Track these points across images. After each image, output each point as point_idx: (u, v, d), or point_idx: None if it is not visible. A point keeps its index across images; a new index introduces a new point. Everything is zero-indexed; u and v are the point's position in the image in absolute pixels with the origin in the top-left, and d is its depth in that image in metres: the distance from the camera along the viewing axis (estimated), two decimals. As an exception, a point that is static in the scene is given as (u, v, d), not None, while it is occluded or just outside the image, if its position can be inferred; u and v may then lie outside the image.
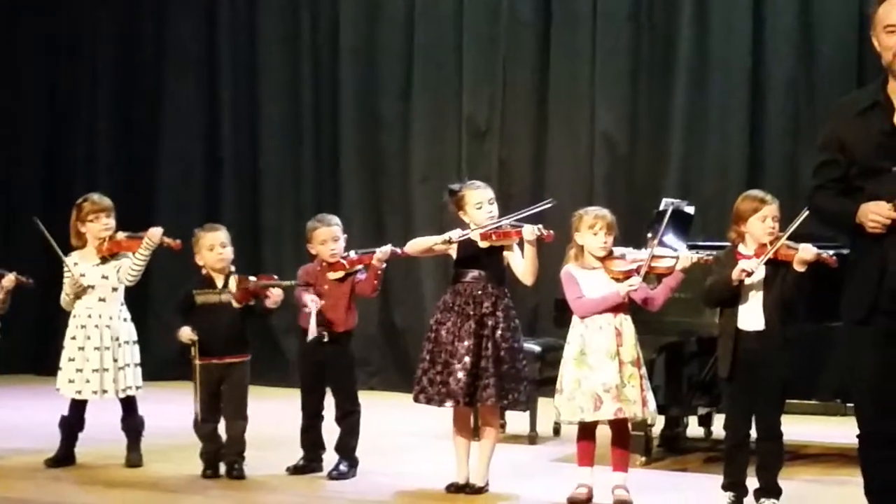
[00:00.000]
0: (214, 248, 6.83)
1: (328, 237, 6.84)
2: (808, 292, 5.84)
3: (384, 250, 6.75)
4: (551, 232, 6.20)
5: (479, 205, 6.36)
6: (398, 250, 6.71)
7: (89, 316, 7.02)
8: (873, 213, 4.61)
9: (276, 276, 6.94)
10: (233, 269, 6.86)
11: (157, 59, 11.62)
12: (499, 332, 6.27)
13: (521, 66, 10.41)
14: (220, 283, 6.80)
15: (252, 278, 6.78)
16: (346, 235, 6.94)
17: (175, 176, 11.40)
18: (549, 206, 6.38)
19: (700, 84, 9.79)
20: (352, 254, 6.88)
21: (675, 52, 9.87)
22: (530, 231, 6.20)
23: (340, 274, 6.82)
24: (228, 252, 6.87)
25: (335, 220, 6.96)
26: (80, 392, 7.01)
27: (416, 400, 6.39)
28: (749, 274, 5.78)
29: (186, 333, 6.70)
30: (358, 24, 10.93)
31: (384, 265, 6.81)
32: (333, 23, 11.03)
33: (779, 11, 9.59)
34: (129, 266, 7.00)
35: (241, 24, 11.41)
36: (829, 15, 9.46)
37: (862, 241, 4.72)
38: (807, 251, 5.71)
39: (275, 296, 6.72)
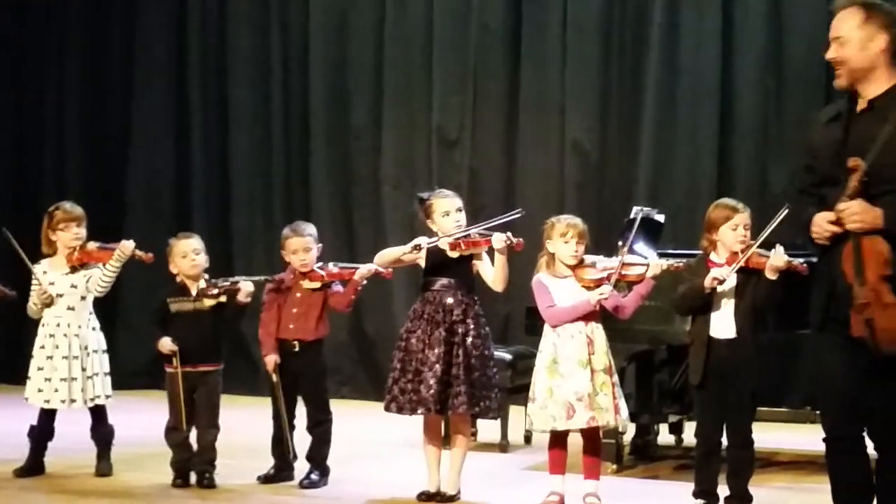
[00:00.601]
0: (188, 255, 6.82)
1: (300, 247, 6.83)
2: (779, 300, 5.88)
3: (367, 268, 6.72)
4: (521, 240, 6.21)
5: (447, 213, 6.37)
6: (382, 270, 6.70)
7: (58, 325, 6.99)
8: (816, 225, 4.69)
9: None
10: (206, 276, 6.85)
11: (125, 65, 11.55)
12: (469, 339, 6.28)
13: (491, 75, 10.42)
14: (194, 290, 6.79)
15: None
16: (320, 245, 6.92)
17: (145, 183, 11.35)
18: (518, 216, 6.40)
19: (670, 92, 9.82)
20: (331, 266, 6.87)
21: (645, 61, 9.90)
22: (499, 239, 6.21)
23: (317, 285, 6.81)
24: (202, 259, 6.87)
25: (309, 229, 6.95)
26: (48, 401, 6.97)
27: (388, 409, 6.39)
28: (721, 282, 5.81)
29: (168, 344, 6.68)
30: (328, 34, 10.92)
31: (364, 282, 6.81)
32: (303, 31, 11.01)
33: (748, 20, 9.64)
34: (100, 277, 6.97)
35: (211, 32, 11.36)
36: (798, 24, 9.51)
37: (821, 251, 4.79)
38: (778, 259, 5.74)
39: (245, 287, 6.71)
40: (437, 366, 6.21)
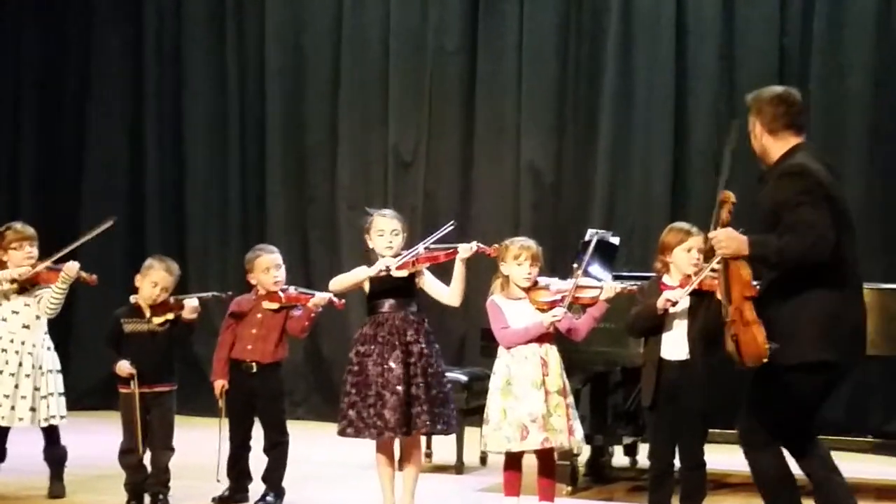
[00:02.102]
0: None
1: (271, 264, 6.83)
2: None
3: (322, 297, 6.72)
4: (496, 246, 6.24)
5: (381, 233, 6.37)
6: (336, 301, 6.70)
7: (11, 341, 6.94)
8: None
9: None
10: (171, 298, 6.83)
11: (80, 83, 11.51)
12: (424, 358, 6.28)
13: (448, 96, 10.48)
14: (147, 312, 6.76)
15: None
16: (284, 266, 6.92)
17: (99, 203, 11.28)
18: (451, 227, 6.41)
19: (625, 115, 9.90)
20: (291, 289, 6.87)
21: (599, 84, 9.97)
22: (467, 249, 6.22)
23: (275, 306, 6.81)
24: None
25: (275, 249, 6.96)
26: None
27: (343, 434, 6.34)
28: (674, 304, 5.84)
29: (126, 367, 6.64)
30: (284, 51, 10.94)
31: (319, 310, 6.81)
32: (259, 50, 11.02)
33: (700, 43, 9.74)
34: (49, 298, 6.93)
35: (166, 51, 11.35)
36: (749, 50, 9.62)
37: None
38: None
39: (189, 304, 6.70)
40: (399, 387, 6.19)
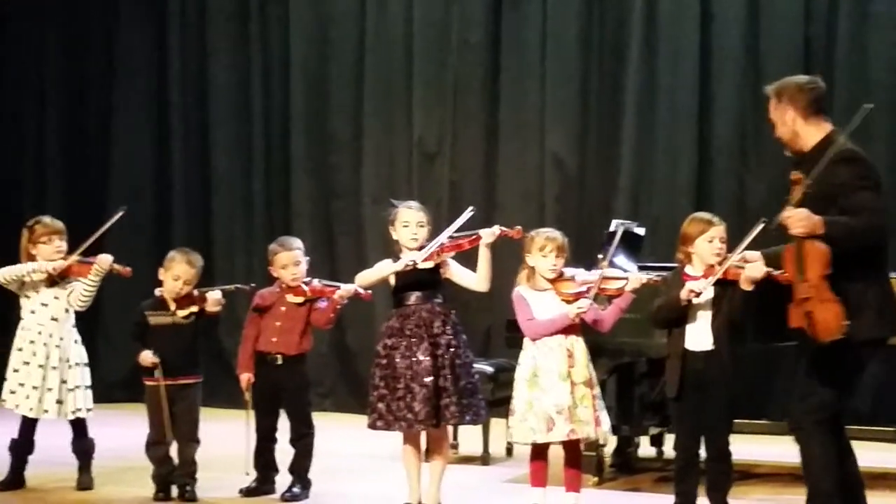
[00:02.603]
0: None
1: (289, 262, 6.85)
2: (756, 311, 5.91)
3: (348, 289, 6.74)
4: (519, 228, 6.24)
5: (406, 224, 6.36)
6: (362, 292, 6.71)
7: (39, 333, 6.99)
8: None
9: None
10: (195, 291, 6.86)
11: (105, 77, 11.56)
12: (451, 349, 6.28)
13: (472, 89, 10.46)
14: (172, 305, 6.79)
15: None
16: (308, 258, 6.94)
17: (125, 197, 11.32)
18: (472, 213, 6.38)
19: (648, 106, 9.87)
20: (316, 282, 6.88)
21: (623, 74, 9.95)
22: (489, 233, 6.22)
23: (300, 300, 6.83)
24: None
25: (297, 243, 6.96)
26: (18, 406, 6.97)
27: (374, 427, 6.33)
28: (697, 294, 5.82)
29: (149, 357, 6.68)
30: (308, 45, 10.95)
31: (345, 302, 6.82)
32: (284, 45, 11.04)
33: (725, 34, 9.70)
34: (80, 291, 6.98)
35: (191, 45, 11.38)
36: (775, 38, 9.58)
37: None
38: (755, 269, 5.75)
39: (211, 296, 6.74)
40: (428, 378, 6.19)
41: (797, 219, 5.27)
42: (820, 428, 5.42)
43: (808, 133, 5.54)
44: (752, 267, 5.76)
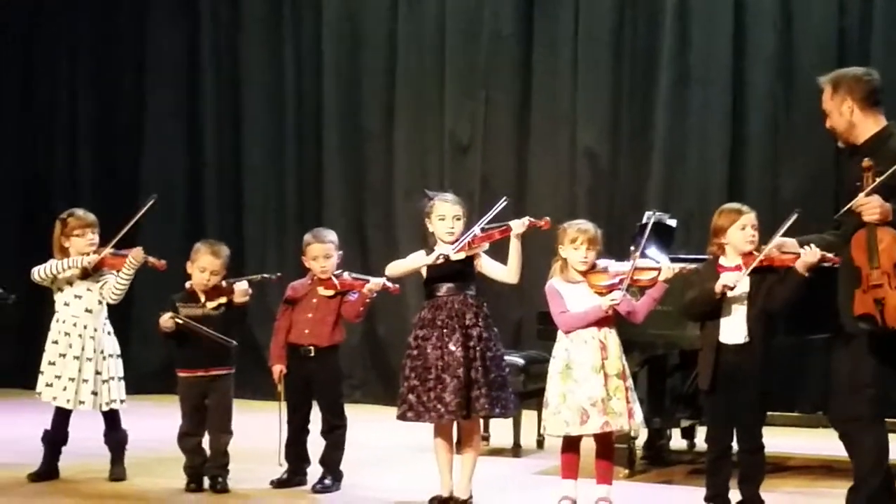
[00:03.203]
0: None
1: (320, 254, 6.85)
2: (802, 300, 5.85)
3: (377, 282, 6.75)
4: (547, 219, 6.24)
5: (442, 217, 6.35)
6: (391, 286, 6.72)
7: (74, 325, 7.01)
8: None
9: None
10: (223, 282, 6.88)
11: (136, 71, 11.61)
12: (483, 342, 6.28)
13: (503, 82, 10.46)
14: (202, 297, 6.82)
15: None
16: (341, 252, 6.94)
17: (158, 188, 11.35)
18: (505, 203, 6.37)
19: (680, 98, 9.84)
20: (346, 275, 6.89)
21: (655, 68, 9.92)
22: (519, 224, 6.22)
23: (330, 293, 6.84)
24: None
25: (331, 236, 6.97)
26: (55, 398, 7.00)
27: (404, 418, 6.34)
28: (731, 288, 5.80)
29: (166, 317, 6.71)
30: (341, 38, 10.97)
31: (374, 295, 6.83)
32: (316, 38, 11.06)
33: (758, 27, 9.66)
34: (113, 284, 7.00)
35: (223, 39, 11.42)
36: (808, 31, 9.54)
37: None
38: (811, 254, 5.67)
39: (238, 287, 6.78)
40: (460, 370, 6.19)
41: (873, 206, 5.26)
42: (877, 420, 5.42)
43: (865, 124, 5.53)
44: (808, 252, 5.70)
